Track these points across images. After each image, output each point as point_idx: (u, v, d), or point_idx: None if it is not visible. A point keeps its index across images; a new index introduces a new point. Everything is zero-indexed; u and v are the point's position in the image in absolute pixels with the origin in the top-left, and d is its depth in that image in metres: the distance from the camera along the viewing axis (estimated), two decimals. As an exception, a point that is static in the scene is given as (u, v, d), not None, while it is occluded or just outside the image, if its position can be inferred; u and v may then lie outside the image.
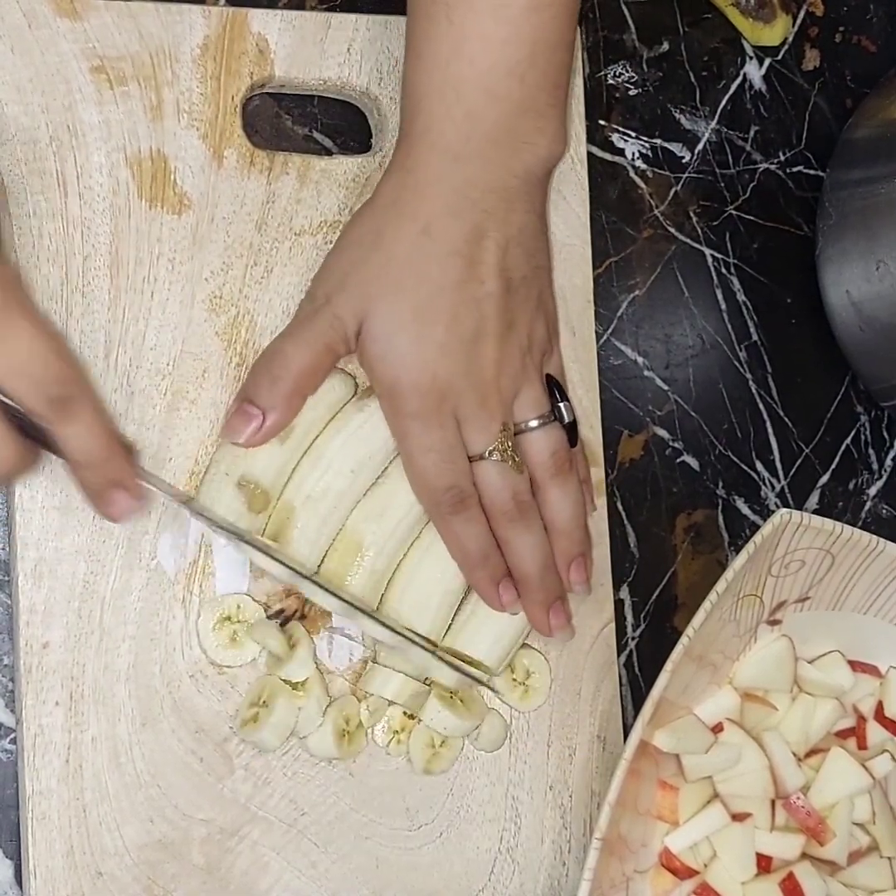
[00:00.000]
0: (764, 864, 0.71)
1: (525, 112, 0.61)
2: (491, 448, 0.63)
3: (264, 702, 0.63)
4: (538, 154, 0.62)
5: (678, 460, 0.77)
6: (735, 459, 0.79)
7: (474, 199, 0.61)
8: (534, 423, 0.65)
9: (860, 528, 0.72)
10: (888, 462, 0.84)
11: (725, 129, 0.81)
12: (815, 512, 0.78)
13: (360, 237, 0.63)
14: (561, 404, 0.66)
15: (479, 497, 0.64)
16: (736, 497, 0.79)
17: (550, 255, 0.67)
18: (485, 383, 0.63)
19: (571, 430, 0.67)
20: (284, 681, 0.64)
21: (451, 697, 0.66)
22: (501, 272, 0.62)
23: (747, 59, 0.82)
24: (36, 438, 0.55)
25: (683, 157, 0.79)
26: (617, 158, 0.77)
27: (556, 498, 0.66)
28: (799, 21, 0.84)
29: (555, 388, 0.66)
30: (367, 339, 0.62)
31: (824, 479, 0.82)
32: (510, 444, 0.64)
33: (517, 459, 0.64)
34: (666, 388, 0.77)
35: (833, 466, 0.82)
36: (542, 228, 0.66)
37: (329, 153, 0.70)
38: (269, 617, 0.64)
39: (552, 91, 0.62)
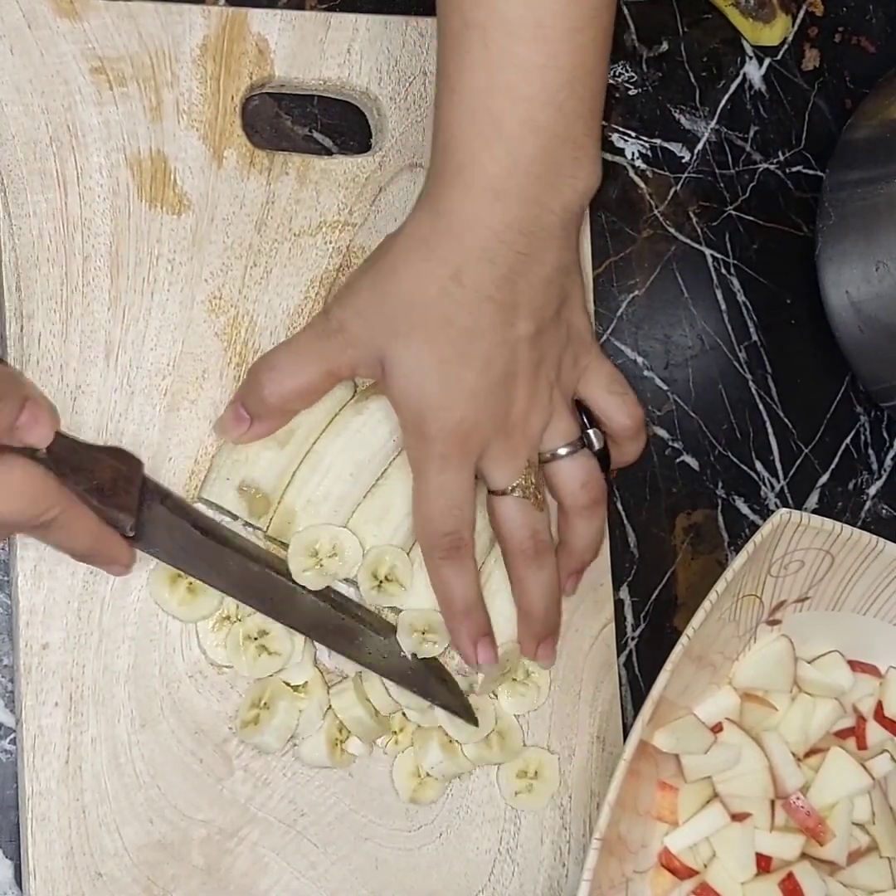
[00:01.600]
0: (763, 864, 0.71)
1: (563, 143, 0.58)
2: (514, 484, 0.62)
3: (265, 704, 0.63)
4: (577, 188, 0.59)
5: (678, 460, 0.77)
6: (735, 459, 0.79)
7: (510, 242, 0.58)
8: (562, 452, 0.63)
9: (860, 527, 0.72)
10: (888, 462, 0.84)
11: (725, 129, 0.81)
12: (815, 512, 0.78)
13: (386, 272, 0.60)
14: (590, 431, 0.65)
15: (497, 531, 0.64)
16: (736, 497, 0.79)
17: (583, 285, 0.65)
18: (512, 424, 0.61)
19: (602, 456, 0.65)
20: (285, 683, 0.64)
21: (451, 743, 0.66)
22: (534, 313, 0.60)
23: (747, 59, 0.82)
24: None
25: (683, 157, 0.79)
26: (617, 158, 0.77)
27: (580, 528, 0.65)
28: (798, 21, 0.84)
29: (584, 415, 0.65)
30: (392, 376, 0.60)
31: (824, 479, 0.82)
32: (533, 480, 0.62)
33: (540, 496, 0.63)
34: (665, 388, 0.77)
35: (833, 466, 0.82)
36: (576, 262, 0.63)
37: (329, 153, 0.70)
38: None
39: (589, 120, 0.59)
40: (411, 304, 0.59)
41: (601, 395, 0.65)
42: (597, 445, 0.65)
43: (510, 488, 0.62)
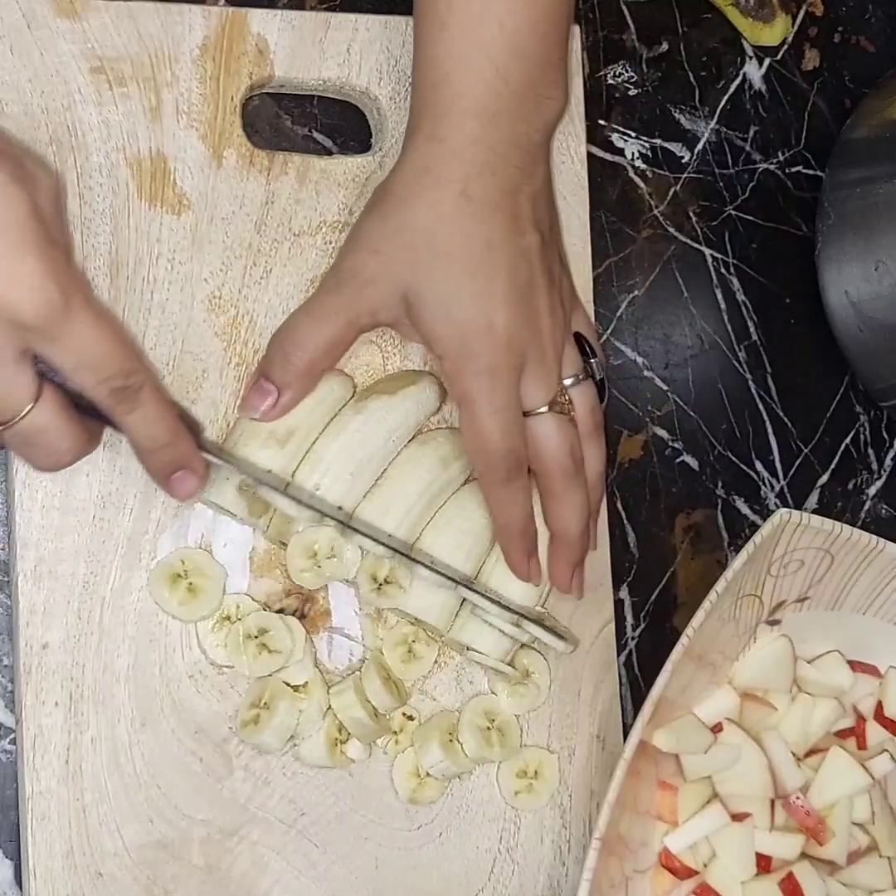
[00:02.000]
0: (763, 863, 0.71)
1: (543, 67, 0.63)
2: (549, 402, 0.64)
3: (265, 704, 0.63)
4: (553, 107, 0.65)
5: (678, 460, 0.77)
6: (734, 459, 0.79)
7: (506, 156, 0.62)
8: (569, 381, 0.66)
9: (860, 527, 0.72)
10: (888, 462, 0.84)
11: (725, 129, 0.81)
12: (815, 512, 0.78)
13: (393, 207, 0.63)
14: (592, 361, 0.67)
15: (537, 452, 0.65)
16: (735, 497, 0.79)
17: (558, 214, 0.69)
18: (543, 336, 0.63)
19: (600, 388, 0.68)
20: (285, 683, 0.64)
21: (451, 741, 0.66)
22: (536, 224, 0.64)
23: (747, 59, 0.82)
24: (100, 417, 0.56)
25: (683, 157, 0.79)
26: (617, 158, 0.78)
27: (590, 454, 0.67)
28: (798, 21, 0.84)
29: (585, 345, 0.67)
30: (422, 303, 0.62)
31: (824, 478, 0.82)
32: (566, 398, 0.65)
33: (573, 415, 0.65)
34: (665, 387, 0.78)
35: (832, 466, 0.82)
36: (552, 182, 0.68)
37: (329, 153, 0.70)
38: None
39: (562, 46, 0.65)
40: (429, 230, 0.61)
41: (588, 333, 0.68)
42: (599, 375, 0.67)
43: (548, 406, 0.64)
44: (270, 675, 0.64)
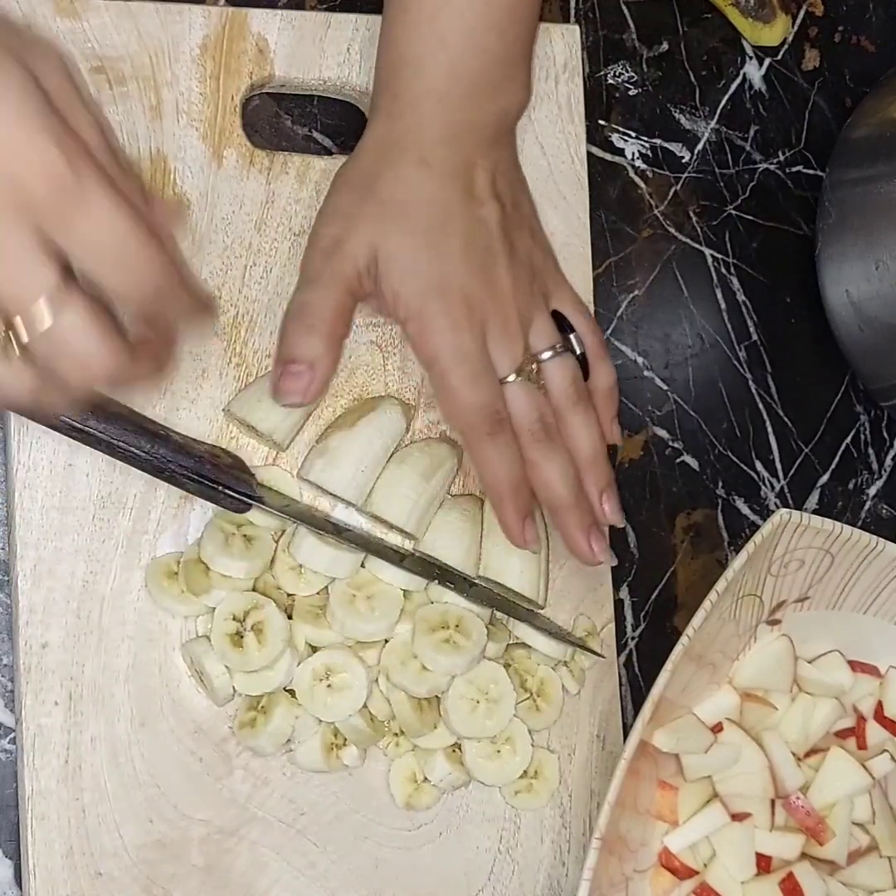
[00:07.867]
0: (763, 863, 0.71)
1: (500, 62, 0.65)
2: (516, 369, 0.64)
3: (263, 707, 0.63)
4: (512, 100, 0.67)
5: (678, 460, 0.77)
6: (735, 459, 0.79)
7: (462, 133, 0.64)
8: (547, 355, 0.65)
9: (860, 527, 0.72)
10: (888, 462, 0.84)
11: (725, 129, 0.81)
12: (815, 512, 0.78)
13: (358, 177, 0.64)
14: (571, 336, 0.67)
15: None
16: (735, 497, 0.79)
17: (531, 197, 0.70)
18: (505, 299, 0.64)
19: (583, 364, 0.67)
20: (283, 688, 0.64)
21: (454, 752, 0.66)
22: (495, 197, 0.65)
23: (747, 58, 0.82)
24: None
25: (683, 157, 0.79)
26: (617, 158, 0.78)
27: (577, 426, 0.66)
28: (798, 21, 0.84)
29: (563, 322, 0.67)
30: (386, 263, 0.62)
31: (824, 478, 0.82)
32: (533, 367, 0.65)
33: (541, 383, 0.65)
34: (665, 387, 0.77)
35: (833, 466, 0.82)
36: (519, 167, 0.69)
37: (329, 153, 0.70)
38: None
39: (524, 45, 0.66)
40: (391, 193, 0.63)
41: (570, 311, 0.68)
42: (579, 349, 0.67)
43: (515, 373, 0.64)
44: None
